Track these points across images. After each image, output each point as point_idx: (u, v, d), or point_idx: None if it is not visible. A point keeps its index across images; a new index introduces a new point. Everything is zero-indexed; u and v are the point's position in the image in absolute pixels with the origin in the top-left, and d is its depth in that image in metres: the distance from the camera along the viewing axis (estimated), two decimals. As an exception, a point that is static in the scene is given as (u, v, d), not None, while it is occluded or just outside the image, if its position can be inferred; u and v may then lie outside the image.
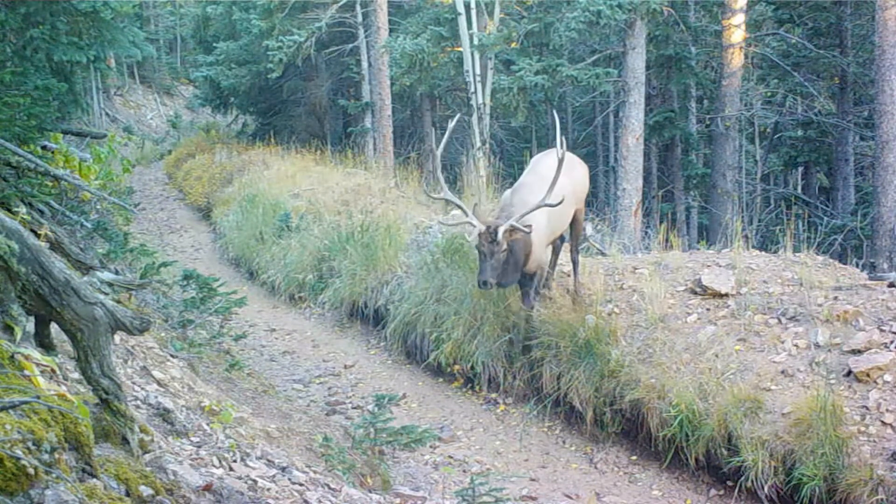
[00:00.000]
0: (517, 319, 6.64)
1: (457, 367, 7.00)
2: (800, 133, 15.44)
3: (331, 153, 15.27)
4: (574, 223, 6.67)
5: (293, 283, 9.89)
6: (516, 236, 5.84)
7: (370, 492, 4.01)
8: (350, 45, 16.27)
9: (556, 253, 6.78)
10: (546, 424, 6.32)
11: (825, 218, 12.41)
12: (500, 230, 5.73)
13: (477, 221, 5.85)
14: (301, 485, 3.42)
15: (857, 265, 7.95)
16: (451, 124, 6.61)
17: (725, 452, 5.15)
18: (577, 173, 6.56)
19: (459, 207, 6.10)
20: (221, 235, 12.93)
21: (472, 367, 6.83)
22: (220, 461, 3.16)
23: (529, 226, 5.74)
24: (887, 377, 4.95)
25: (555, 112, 7.07)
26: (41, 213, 5.05)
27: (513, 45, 13.28)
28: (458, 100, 17.19)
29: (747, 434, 5.01)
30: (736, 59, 13.09)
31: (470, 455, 5.91)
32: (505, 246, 5.78)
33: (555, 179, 5.80)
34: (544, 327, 6.47)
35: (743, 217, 11.65)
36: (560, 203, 5.82)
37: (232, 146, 18.60)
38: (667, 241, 7.40)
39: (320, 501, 3.26)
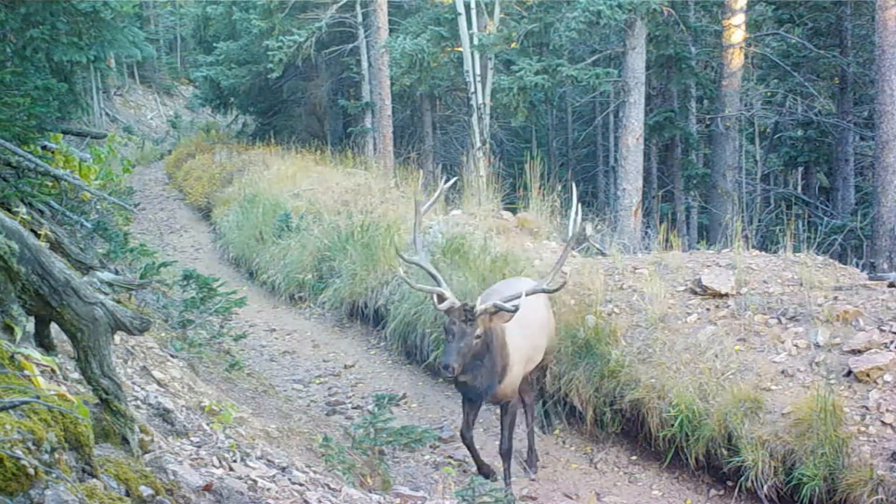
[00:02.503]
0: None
1: (457, 367, 6.99)
2: (800, 133, 15.43)
3: (331, 153, 15.27)
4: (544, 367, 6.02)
5: (293, 283, 9.89)
6: (497, 323, 4.98)
7: (370, 492, 4.01)
8: (350, 45, 16.27)
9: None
10: (546, 424, 6.32)
11: (825, 218, 12.41)
12: (479, 306, 4.86)
13: (450, 293, 5.00)
14: (301, 485, 3.42)
15: (857, 265, 7.95)
16: (442, 185, 6.10)
17: (725, 452, 5.15)
18: (550, 313, 6.02)
19: (433, 276, 5.28)
20: (221, 235, 12.94)
21: (472, 367, 6.82)
22: (220, 461, 3.15)
23: (516, 306, 4.88)
24: (887, 377, 4.95)
25: (574, 184, 5.89)
26: (41, 213, 5.05)
27: (513, 45, 13.28)
28: (458, 100, 17.20)
29: (747, 434, 5.01)
30: (736, 59, 13.08)
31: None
32: (480, 331, 4.85)
33: (563, 257, 5.26)
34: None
35: (743, 217, 11.63)
36: (559, 289, 5.24)
37: (232, 146, 18.61)
38: (667, 241, 7.40)
39: (320, 501, 3.25)
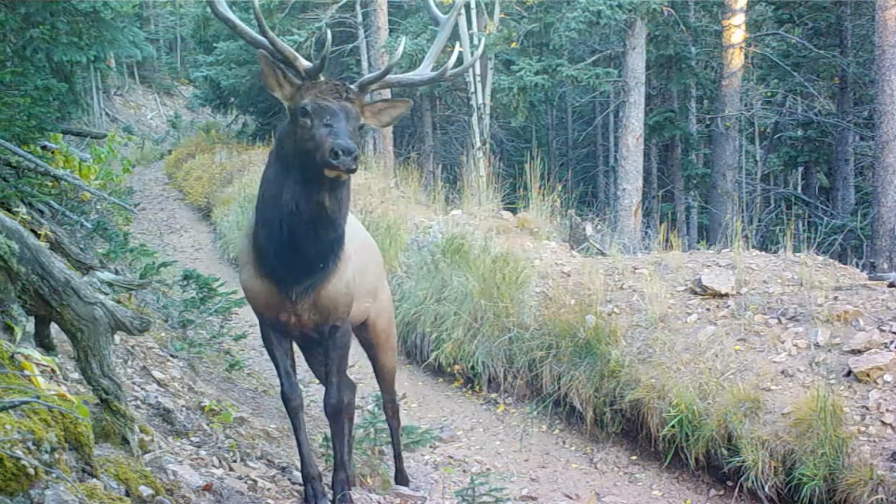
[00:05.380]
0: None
1: (457, 367, 7.00)
2: (800, 133, 15.45)
3: (331, 153, 15.24)
4: (377, 360, 4.32)
5: (293, 283, 9.86)
6: (387, 114, 3.32)
7: (370, 492, 4.01)
8: (350, 45, 16.27)
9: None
10: (546, 424, 6.32)
11: (825, 218, 12.42)
12: (372, 80, 3.23)
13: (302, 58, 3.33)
14: (301, 485, 3.42)
15: (857, 265, 7.96)
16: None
17: (725, 452, 5.15)
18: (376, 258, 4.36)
19: (260, 23, 3.49)
20: (221, 235, 12.92)
21: (472, 367, 6.83)
22: (220, 461, 3.16)
23: (408, 100, 3.43)
24: (887, 377, 4.95)
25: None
26: (41, 213, 5.05)
27: (513, 45, 13.28)
28: (458, 100, 17.20)
29: (747, 434, 5.01)
30: (736, 59, 13.09)
31: (470, 455, 5.91)
32: (363, 121, 3.16)
33: (439, 42, 3.57)
34: (544, 327, 6.46)
35: (743, 217, 11.65)
36: (438, 78, 3.47)
37: (232, 146, 18.59)
38: (667, 241, 7.41)
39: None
